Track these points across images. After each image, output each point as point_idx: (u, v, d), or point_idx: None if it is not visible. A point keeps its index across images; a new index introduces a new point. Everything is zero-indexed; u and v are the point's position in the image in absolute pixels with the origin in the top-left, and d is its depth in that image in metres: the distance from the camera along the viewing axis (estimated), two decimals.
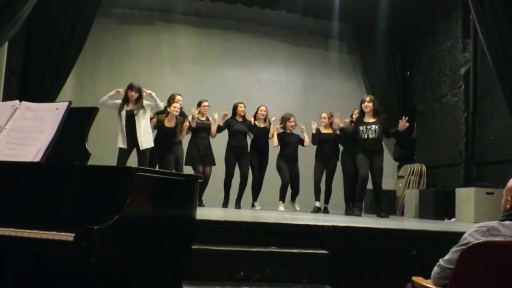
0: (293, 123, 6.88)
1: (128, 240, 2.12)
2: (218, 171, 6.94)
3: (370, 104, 6.06)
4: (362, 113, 6.14)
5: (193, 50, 9.34)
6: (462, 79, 7.77)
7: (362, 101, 6.18)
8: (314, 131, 6.78)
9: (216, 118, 6.72)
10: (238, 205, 6.72)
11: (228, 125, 6.79)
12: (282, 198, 6.81)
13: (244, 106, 6.94)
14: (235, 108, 6.90)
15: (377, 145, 6.02)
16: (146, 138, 5.79)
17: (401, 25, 9.53)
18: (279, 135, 6.84)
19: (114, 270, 2.14)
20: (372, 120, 6.03)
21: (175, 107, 6.24)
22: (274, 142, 6.84)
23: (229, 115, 6.86)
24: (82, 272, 2.11)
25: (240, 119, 6.86)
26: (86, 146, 2.45)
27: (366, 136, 5.95)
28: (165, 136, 6.27)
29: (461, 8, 7.84)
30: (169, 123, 6.27)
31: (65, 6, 7.67)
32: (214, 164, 6.75)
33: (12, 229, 1.97)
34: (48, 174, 2.29)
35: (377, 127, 5.94)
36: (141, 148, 5.73)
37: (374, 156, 5.95)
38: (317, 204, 6.71)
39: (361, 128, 6.00)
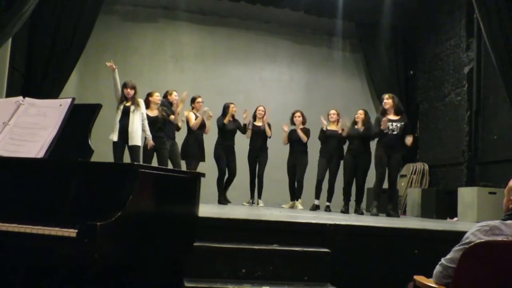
0: (298, 118, 6.91)
1: (131, 236, 2.12)
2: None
3: (390, 100, 6.15)
4: (383, 111, 6.21)
5: (196, 48, 9.34)
6: (465, 78, 7.74)
7: (382, 99, 6.31)
8: (324, 128, 6.73)
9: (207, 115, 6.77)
10: (226, 200, 6.87)
11: (221, 124, 6.91)
12: (292, 195, 6.90)
13: (235, 107, 7.03)
14: (226, 108, 7.00)
15: (398, 142, 6.06)
16: (136, 135, 5.87)
17: (405, 24, 9.50)
18: (289, 134, 6.96)
19: (116, 266, 2.14)
20: (395, 117, 6.09)
21: (157, 96, 6.36)
22: (267, 132, 6.97)
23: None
24: (85, 268, 2.11)
25: (231, 119, 6.98)
26: (89, 142, 2.45)
27: (390, 131, 5.99)
28: (149, 125, 6.19)
29: (465, 7, 7.82)
30: (151, 112, 6.26)
31: (69, 2, 7.68)
32: (203, 160, 6.78)
33: (15, 224, 1.97)
34: (51, 170, 2.29)
35: (401, 124, 6.00)
36: (130, 143, 5.82)
37: (393, 153, 6.02)
38: (316, 202, 6.73)
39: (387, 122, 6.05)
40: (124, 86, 5.97)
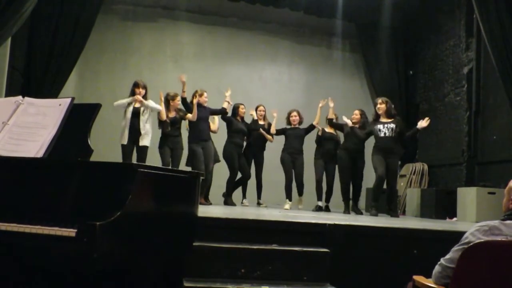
0: (294, 117, 6.92)
1: (130, 236, 2.12)
2: (219, 169, 6.97)
3: (383, 105, 6.15)
4: (377, 115, 6.22)
5: (196, 47, 9.34)
6: (465, 78, 7.75)
7: (375, 104, 6.30)
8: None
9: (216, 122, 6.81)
10: (231, 200, 6.79)
11: (230, 122, 6.87)
12: (288, 196, 6.74)
13: (245, 108, 7.02)
14: (236, 108, 6.99)
15: (393, 144, 6.04)
16: (147, 135, 5.92)
17: (404, 24, 9.51)
18: (283, 130, 6.95)
19: (115, 266, 2.14)
20: (388, 120, 6.10)
21: (178, 101, 6.39)
22: (269, 138, 6.96)
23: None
24: (83, 268, 2.11)
25: (239, 120, 6.98)
26: (89, 142, 2.45)
27: (383, 134, 6.01)
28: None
29: (465, 7, 7.82)
30: (170, 114, 6.29)
31: (69, 2, 7.67)
32: (218, 161, 6.72)
33: (15, 224, 1.97)
34: (51, 170, 2.29)
35: (394, 126, 6.01)
36: (140, 144, 5.84)
37: (390, 156, 6.01)
38: (319, 203, 6.69)
39: (378, 126, 6.06)
40: (136, 85, 5.99)
